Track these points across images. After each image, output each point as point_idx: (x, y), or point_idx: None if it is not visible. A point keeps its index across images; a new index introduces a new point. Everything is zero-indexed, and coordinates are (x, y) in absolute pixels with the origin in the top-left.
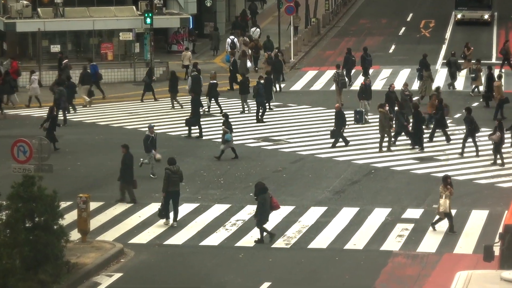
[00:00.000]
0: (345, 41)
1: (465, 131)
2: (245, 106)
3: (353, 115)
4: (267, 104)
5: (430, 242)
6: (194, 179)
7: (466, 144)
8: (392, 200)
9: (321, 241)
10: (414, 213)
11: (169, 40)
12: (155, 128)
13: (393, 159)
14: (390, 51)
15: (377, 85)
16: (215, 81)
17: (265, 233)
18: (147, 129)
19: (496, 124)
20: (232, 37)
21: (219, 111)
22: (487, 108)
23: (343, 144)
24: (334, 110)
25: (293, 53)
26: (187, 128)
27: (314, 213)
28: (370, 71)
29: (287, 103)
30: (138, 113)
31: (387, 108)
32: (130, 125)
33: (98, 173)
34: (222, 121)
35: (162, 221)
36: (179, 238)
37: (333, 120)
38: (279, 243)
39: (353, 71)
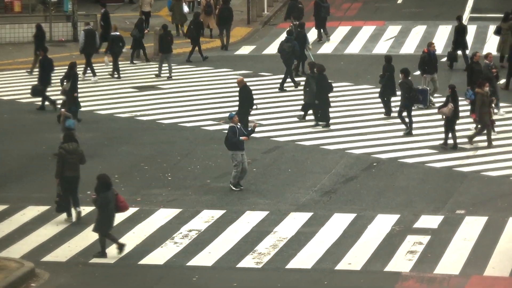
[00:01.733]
0: None
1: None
2: (165, 68)
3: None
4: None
5: (453, 261)
6: (131, 174)
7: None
8: (401, 204)
9: (305, 259)
10: (430, 221)
11: None
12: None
13: (402, 148)
14: (399, 1)
15: (381, 47)
16: (117, 33)
17: (114, 244)
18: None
19: (448, 92)
20: None
21: (113, 75)
22: (451, 71)
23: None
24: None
25: (267, 3)
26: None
27: (295, 221)
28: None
29: (258, 71)
30: (57, 84)
31: (487, 88)
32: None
33: (0, 165)
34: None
35: (88, 232)
36: (110, 255)
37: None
38: (247, 262)
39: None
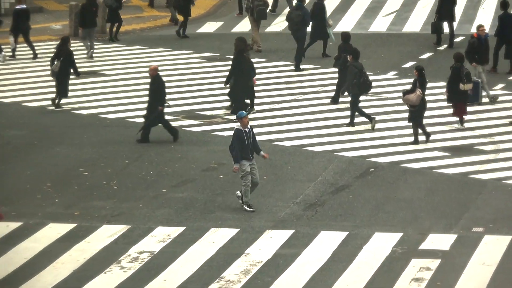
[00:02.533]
0: None
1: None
2: (88, 46)
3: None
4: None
5: None
6: (68, 182)
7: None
8: (404, 219)
9: (284, 287)
10: (440, 241)
11: None
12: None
13: (406, 150)
14: None
15: (380, 24)
16: (23, 6)
17: None
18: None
19: (415, 75)
20: None
21: (32, 56)
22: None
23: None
24: (304, 68)
25: None
26: None
27: (272, 241)
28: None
29: (226, 54)
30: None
31: None
32: None
33: None
34: None
35: (13, 254)
36: (43, 282)
37: (302, 84)
38: None
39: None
